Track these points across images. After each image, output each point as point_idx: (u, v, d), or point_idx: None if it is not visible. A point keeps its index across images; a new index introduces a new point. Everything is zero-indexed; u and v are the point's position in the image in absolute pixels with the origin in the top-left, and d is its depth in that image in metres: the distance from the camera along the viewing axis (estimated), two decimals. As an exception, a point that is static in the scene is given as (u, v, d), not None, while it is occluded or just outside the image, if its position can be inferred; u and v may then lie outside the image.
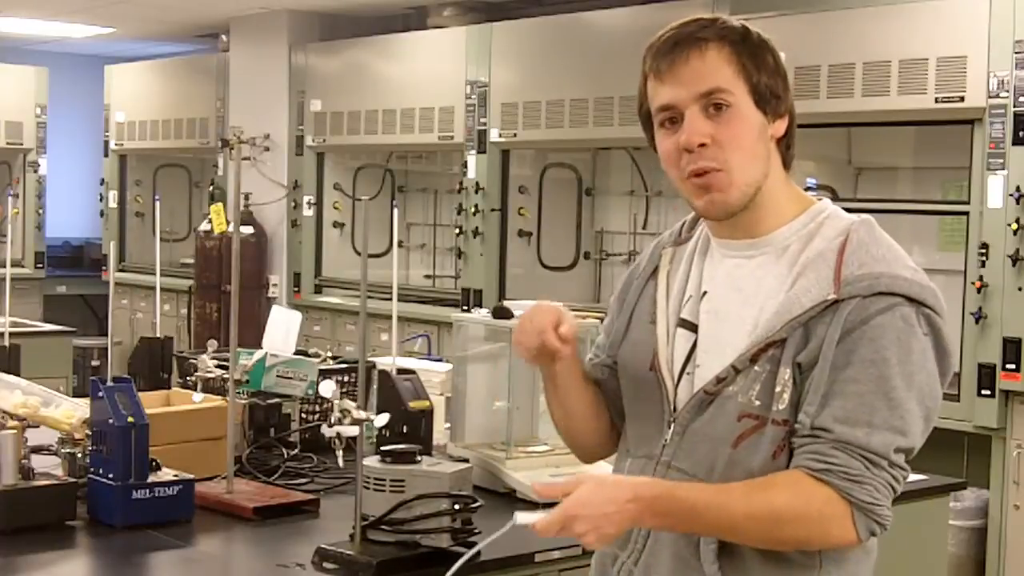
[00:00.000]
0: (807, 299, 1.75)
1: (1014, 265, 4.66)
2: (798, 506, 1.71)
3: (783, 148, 1.86)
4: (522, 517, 1.77)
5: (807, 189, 6.28)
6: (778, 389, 1.75)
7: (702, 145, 1.80)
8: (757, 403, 1.77)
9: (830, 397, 1.72)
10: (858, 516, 1.71)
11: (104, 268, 9.46)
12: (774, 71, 1.84)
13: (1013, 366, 4.66)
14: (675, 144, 1.82)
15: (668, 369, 1.88)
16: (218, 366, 3.08)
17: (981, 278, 4.72)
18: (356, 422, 2.21)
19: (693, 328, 1.87)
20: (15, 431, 2.51)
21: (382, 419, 2.28)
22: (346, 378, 3.40)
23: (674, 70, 1.81)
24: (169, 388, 3.40)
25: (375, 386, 3.06)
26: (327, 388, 2.22)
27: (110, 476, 2.49)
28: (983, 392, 4.72)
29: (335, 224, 8.10)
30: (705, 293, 1.88)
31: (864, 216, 1.85)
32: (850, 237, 1.79)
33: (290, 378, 3.22)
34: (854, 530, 1.72)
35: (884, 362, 1.71)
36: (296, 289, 8.07)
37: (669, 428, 1.86)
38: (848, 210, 1.88)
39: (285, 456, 3.09)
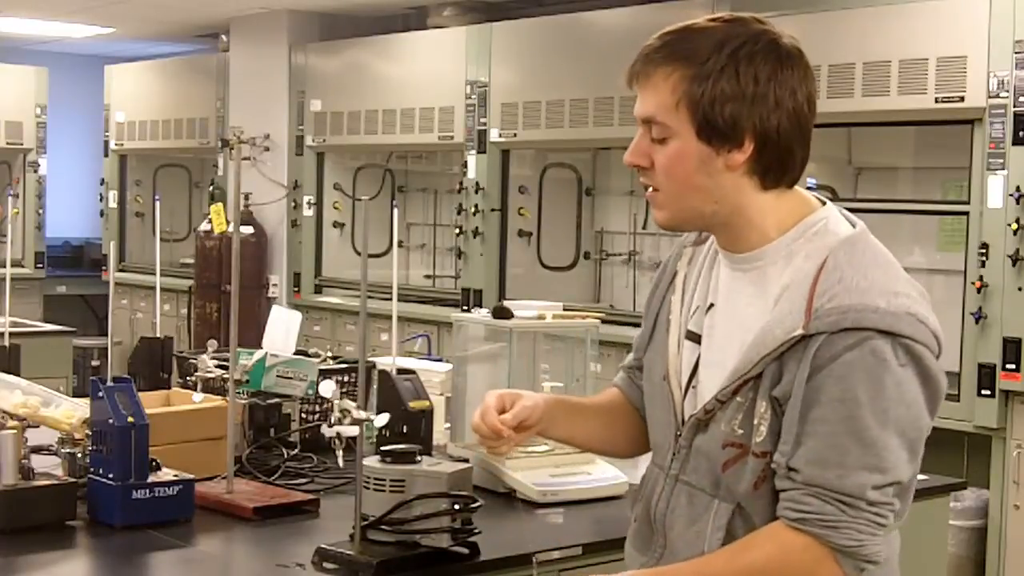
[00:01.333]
0: (780, 331, 1.71)
1: (1014, 265, 4.65)
2: (779, 560, 1.71)
3: (760, 168, 1.77)
4: None
5: (807, 189, 6.27)
6: (755, 421, 1.74)
7: (640, 166, 1.82)
8: (740, 432, 1.76)
9: (803, 437, 1.69)
10: (841, 558, 1.69)
11: (104, 268, 9.47)
12: (737, 95, 1.73)
13: (1013, 366, 4.66)
14: None
15: (677, 381, 1.87)
16: (218, 366, 3.08)
17: (981, 278, 4.72)
18: (356, 422, 2.21)
19: (699, 340, 1.86)
20: (15, 431, 2.50)
21: (382, 419, 2.27)
22: (346, 378, 3.39)
23: (637, 85, 1.81)
24: (169, 388, 3.40)
25: (375, 386, 3.06)
26: (327, 388, 2.21)
27: (110, 476, 2.48)
28: (983, 392, 4.72)
29: (335, 224, 8.10)
30: (712, 306, 1.86)
31: (855, 232, 1.78)
32: (827, 261, 1.72)
33: (290, 378, 3.22)
34: (840, 570, 1.70)
35: (853, 401, 1.66)
36: (296, 289, 8.07)
37: (676, 441, 1.86)
38: (851, 210, 1.86)
39: (285, 456, 3.09)
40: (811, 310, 1.69)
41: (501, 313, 3.04)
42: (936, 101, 4.88)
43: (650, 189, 1.83)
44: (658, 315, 1.96)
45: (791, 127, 1.76)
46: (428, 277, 7.94)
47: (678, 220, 1.84)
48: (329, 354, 3.63)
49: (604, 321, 3.32)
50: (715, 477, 1.79)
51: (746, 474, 1.75)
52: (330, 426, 2.20)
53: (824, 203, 1.84)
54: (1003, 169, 4.69)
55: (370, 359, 3.14)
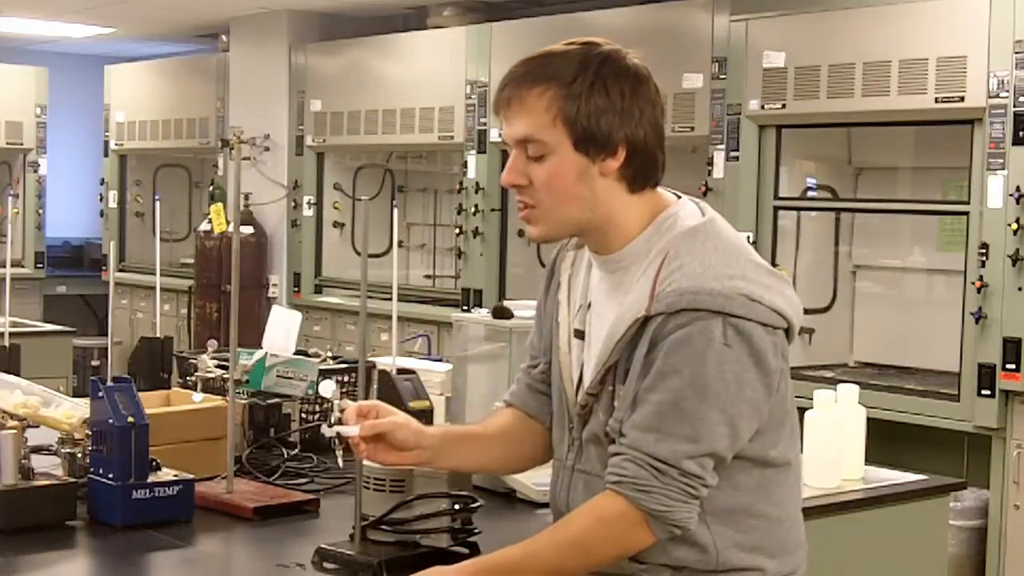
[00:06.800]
0: (629, 316, 1.86)
1: (1014, 265, 4.65)
2: (596, 530, 1.85)
3: (630, 174, 1.92)
4: None
5: (807, 189, 6.25)
6: (616, 403, 1.89)
7: (519, 185, 1.93)
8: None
9: (635, 404, 1.84)
10: (652, 521, 1.82)
11: (104, 268, 9.46)
12: (608, 108, 1.88)
13: (1013, 366, 4.65)
14: None
15: (569, 378, 2.01)
16: (218, 366, 3.08)
17: (981, 278, 4.72)
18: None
19: (583, 337, 2.01)
20: (15, 431, 2.50)
21: (382, 419, 2.27)
22: (346, 378, 3.39)
23: (504, 110, 1.93)
24: (169, 388, 3.40)
25: (375, 386, 3.06)
26: (327, 388, 2.22)
27: (110, 476, 2.48)
28: (983, 392, 4.71)
29: (335, 224, 8.10)
30: (589, 305, 2.01)
31: (699, 222, 1.92)
32: (669, 252, 1.87)
33: (290, 378, 3.22)
34: (652, 533, 1.83)
35: (675, 374, 1.81)
36: (296, 289, 8.08)
37: (570, 434, 2.00)
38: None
39: (285, 456, 3.09)
40: (654, 294, 1.84)
41: (501, 313, 3.05)
42: (936, 101, 4.88)
43: (526, 207, 1.95)
44: (554, 317, 2.10)
45: (654, 136, 1.94)
46: (428, 277, 7.94)
47: (554, 232, 1.98)
48: (329, 354, 3.63)
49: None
50: (607, 461, 1.91)
51: None
52: (330, 426, 2.20)
53: (679, 197, 1.99)
54: (1003, 169, 4.69)
55: (370, 359, 3.14)
